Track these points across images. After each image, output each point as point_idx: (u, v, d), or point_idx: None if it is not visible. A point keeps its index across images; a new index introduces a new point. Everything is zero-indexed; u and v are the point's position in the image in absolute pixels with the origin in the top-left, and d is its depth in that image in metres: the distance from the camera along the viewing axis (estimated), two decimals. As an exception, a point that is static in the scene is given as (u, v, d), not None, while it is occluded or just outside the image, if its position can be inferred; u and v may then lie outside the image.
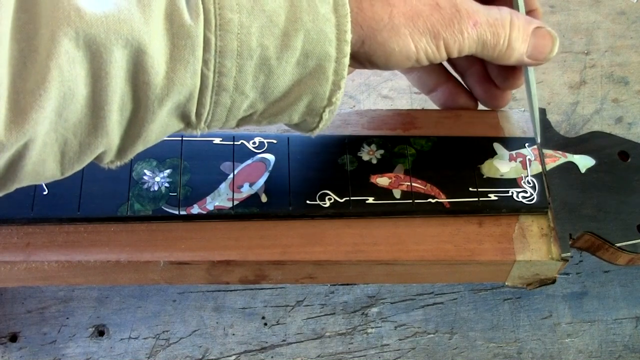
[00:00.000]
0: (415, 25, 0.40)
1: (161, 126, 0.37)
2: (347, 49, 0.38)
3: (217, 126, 0.39)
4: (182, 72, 0.34)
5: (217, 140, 0.51)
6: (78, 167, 0.36)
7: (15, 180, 0.34)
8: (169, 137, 0.50)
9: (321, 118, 0.40)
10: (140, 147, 0.37)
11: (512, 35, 0.44)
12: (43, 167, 0.34)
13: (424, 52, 0.42)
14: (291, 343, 0.58)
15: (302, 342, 0.58)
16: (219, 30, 0.35)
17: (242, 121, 0.40)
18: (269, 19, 0.36)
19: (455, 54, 0.43)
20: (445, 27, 0.41)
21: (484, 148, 0.53)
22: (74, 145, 0.35)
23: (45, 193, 0.48)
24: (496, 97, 0.53)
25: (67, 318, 0.58)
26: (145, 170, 0.49)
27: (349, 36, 0.37)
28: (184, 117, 0.37)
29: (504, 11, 0.44)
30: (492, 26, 0.43)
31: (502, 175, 0.52)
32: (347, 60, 0.38)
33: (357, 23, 0.39)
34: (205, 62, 0.35)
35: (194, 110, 0.37)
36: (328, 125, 0.42)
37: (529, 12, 0.49)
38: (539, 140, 0.52)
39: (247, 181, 0.50)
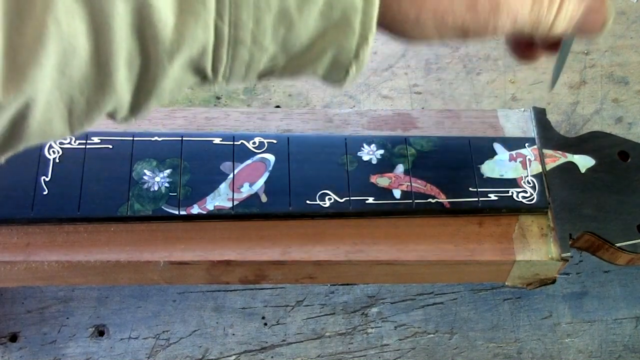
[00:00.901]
0: (444, 23, 0.38)
1: (175, 81, 0.35)
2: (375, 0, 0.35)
3: (236, 80, 0.37)
4: (193, 25, 0.33)
5: (217, 140, 0.51)
6: (88, 125, 0.35)
7: (22, 140, 0.33)
8: (169, 137, 0.51)
9: (347, 73, 0.38)
10: (154, 103, 0.36)
11: (557, 20, 0.40)
12: (50, 126, 0.33)
13: (448, 39, 0.39)
14: (291, 343, 0.58)
15: (302, 342, 0.58)
16: None
17: (263, 75, 0.38)
18: None
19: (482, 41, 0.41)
20: (477, 25, 0.39)
21: (484, 148, 0.53)
22: (81, 103, 0.33)
23: (45, 193, 0.48)
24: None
25: (67, 318, 0.58)
26: (145, 170, 0.49)
27: None
28: (200, 72, 0.36)
29: None
30: (535, 15, 0.39)
31: (502, 175, 0.52)
32: (374, 11, 0.36)
33: (382, 16, 0.37)
34: (218, 14, 0.33)
35: (210, 65, 0.35)
36: (356, 80, 0.39)
37: None
38: (552, 89, 0.48)
39: (247, 181, 0.50)
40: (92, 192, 0.48)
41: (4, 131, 0.32)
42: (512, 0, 0.39)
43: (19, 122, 0.32)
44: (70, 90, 0.33)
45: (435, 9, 0.38)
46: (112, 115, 0.36)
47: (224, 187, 0.49)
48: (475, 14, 0.38)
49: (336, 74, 0.39)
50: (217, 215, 0.49)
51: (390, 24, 0.38)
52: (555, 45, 0.45)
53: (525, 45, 0.45)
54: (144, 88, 0.35)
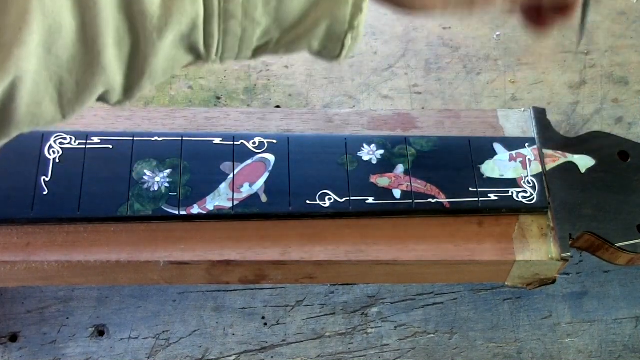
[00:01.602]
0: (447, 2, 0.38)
1: (167, 60, 0.35)
2: None
3: (230, 58, 0.36)
4: None
5: (217, 140, 0.51)
6: (80, 109, 0.34)
7: (12, 124, 0.33)
8: (169, 137, 0.51)
9: (343, 45, 0.37)
10: (147, 84, 0.35)
11: None
12: (40, 108, 0.33)
13: (453, 8, 0.39)
14: (291, 343, 0.58)
15: (302, 342, 0.58)
16: None
17: (258, 51, 0.37)
18: None
19: None
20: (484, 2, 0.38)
21: (484, 148, 0.53)
22: (70, 85, 0.33)
23: (45, 193, 0.48)
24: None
25: (67, 318, 0.58)
26: (145, 170, 0.49)
27: None
28: (192, 49, 0.35)
29: None
30: None
31: (502, 175, 0.52)
32: None
33: None
34: None
35: (202, 41, 0.34)
36: (353, 53, 0.38)
37: None
38: (579, 45, 0.47)
39: (247, 181, 0.50)
40: (92, 192, 0.48)
41: None
42: None
43: (7, 104, 0.31)
44: (59, 70, 0.32)
45: None
46: (105, 99, 0.35)
47: (224, 187, 0.49)
48: None
49: (332, 46, 0.37)
50: (217, 215, 0.49)
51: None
52: (566, 9, 0.42)
53: (537, 12, 0.43)
54: (135, 68, 0.34)
